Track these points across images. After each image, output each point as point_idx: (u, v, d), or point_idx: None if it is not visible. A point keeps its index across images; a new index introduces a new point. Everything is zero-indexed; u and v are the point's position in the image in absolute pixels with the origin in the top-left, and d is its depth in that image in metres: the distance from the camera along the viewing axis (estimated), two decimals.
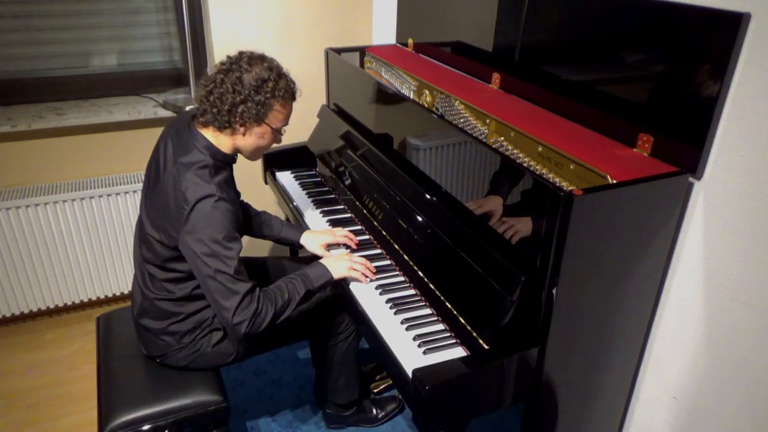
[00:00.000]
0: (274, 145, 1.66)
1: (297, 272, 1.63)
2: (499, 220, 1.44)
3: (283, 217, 2.76)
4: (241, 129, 1.51)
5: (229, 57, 1.54)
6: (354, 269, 1.65)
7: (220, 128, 1.51)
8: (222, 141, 1.53)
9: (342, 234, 1.84)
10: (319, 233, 1.87)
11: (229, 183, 1.55)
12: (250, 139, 1.54)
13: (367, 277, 1.66)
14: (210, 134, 1.52)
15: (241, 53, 1.54)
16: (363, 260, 1.69)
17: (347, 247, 1.84)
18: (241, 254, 1.51)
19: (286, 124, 1.60)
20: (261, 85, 1.48)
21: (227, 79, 1.48)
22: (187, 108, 2.39)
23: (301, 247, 1.89)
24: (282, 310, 1.53)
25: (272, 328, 1.53)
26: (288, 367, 2.40)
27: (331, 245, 1.84)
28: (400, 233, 1.75)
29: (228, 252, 1.44)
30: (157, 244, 1.53)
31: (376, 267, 1.70)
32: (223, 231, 1.43)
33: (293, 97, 1.58)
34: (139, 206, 2.46)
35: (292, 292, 1.56)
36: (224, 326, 1.67)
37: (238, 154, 1.62)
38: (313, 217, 2.04)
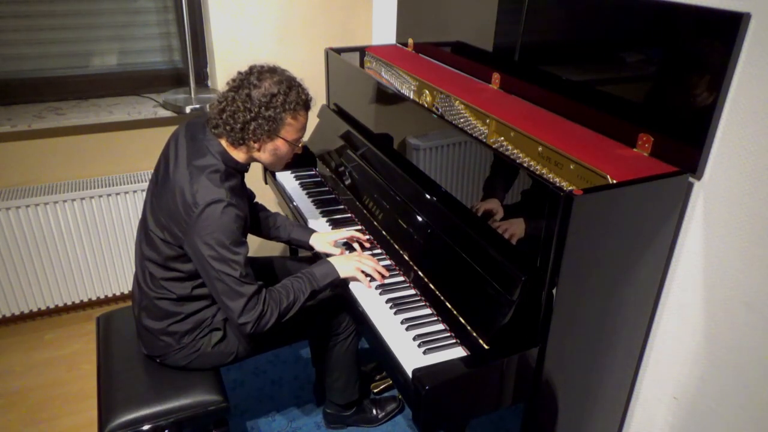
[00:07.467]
0: None
1: (303, 271, 1.63)
2: (500, 220, 1.44)
3: None
4: (256, 145, 1.52)
5: (239, 73, 1.53)
6: (361, 270, 1.65)
7: (234, 144, 1.52)
8: (236, 153, 1.54)
9: (349, 234, 1.83)
10: (326, 233, 1.86)
11: (239, 190, 1.55)
12: (265, 154, 1.55)
13: (373, 279, 1.65)
14: (224, 144, 1.53)
15: (251, 68, 1.52)
16: (373, 261, 1.68)
17: (362, 246, 1.83)
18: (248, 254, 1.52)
19: (302, 135, 1.59)
20: (270, 101, 1.47)
21: (238, 96, 1.48)
22: (188, 109, 2.40)
23: (312, 248, 1.87)
24: (287, 310, 1.55)
25: (274, 328, 1.54)
26: (288, 367, 2.40)
27: (339, 242, 1.82)
28: (400, 233, 1.75)
29: (235, 256, 1.45)
30: (160, 243, 1.53)
31: None
32: (231, 236, 1.44)
33: (306, 107, 1.56)
34: (140, 206, 2.48)
35: (297, 291, 1.57)
36: (230, 324, 1.68)
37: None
38: (313, 217, 2.04)
